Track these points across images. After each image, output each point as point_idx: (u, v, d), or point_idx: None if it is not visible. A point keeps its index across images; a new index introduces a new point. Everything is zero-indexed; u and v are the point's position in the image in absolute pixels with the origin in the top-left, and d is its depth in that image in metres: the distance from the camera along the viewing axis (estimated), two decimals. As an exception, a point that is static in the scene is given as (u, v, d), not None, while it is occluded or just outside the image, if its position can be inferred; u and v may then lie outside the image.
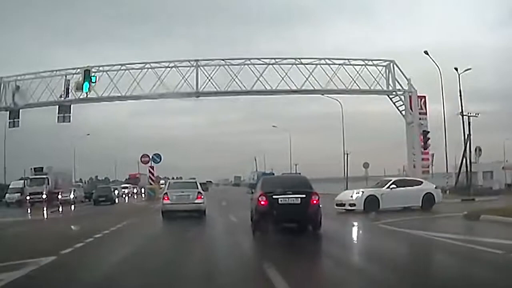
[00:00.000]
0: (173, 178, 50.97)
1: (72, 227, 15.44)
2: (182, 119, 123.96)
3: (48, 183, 39.36)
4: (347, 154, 41.56)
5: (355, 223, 15.01)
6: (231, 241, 11.36)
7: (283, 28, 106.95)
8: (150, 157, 31.28)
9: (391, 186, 18.84)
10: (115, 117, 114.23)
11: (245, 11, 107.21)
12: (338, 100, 37.79)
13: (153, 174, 31.53)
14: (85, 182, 71.04)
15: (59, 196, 37.20)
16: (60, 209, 31.17)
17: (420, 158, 30.57)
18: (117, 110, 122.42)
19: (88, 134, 56.61)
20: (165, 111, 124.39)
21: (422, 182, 20.33)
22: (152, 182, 33.22)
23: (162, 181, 48.74)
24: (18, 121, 31.58)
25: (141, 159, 31.67)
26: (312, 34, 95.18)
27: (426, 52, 31.37)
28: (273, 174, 34.02)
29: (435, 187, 20.28)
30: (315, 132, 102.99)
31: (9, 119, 31.32)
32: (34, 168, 41.42)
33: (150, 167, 31.24)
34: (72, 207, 32.61)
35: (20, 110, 31.52)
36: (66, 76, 29.65)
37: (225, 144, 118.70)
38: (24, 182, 40.51)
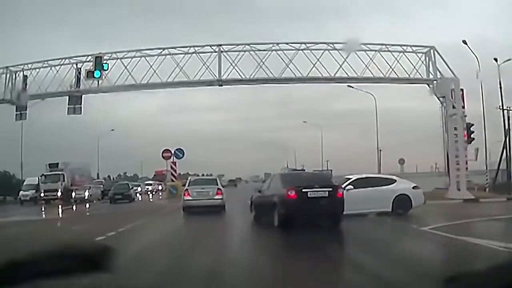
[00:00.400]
0: (202, 175, 49.44)
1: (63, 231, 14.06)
2: (211, 115, 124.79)
3: (64, 180, 37.64)
4: (380, 150, 38.99)
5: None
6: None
7: (314, 14, 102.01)
8: (172, 152, 28.73)
9: (347, 187, 15.10)
10: (143, 112, 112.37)
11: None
12: (371, 94, 36.41)
13: (175, 171, 28.99)
14: (113, 179, 69.49)
15: (73, 194, 35.54)
16: (74, 208, 29.50)
17: (463, 154, 27.76)
18: (145, 106, 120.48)
19: (113, 130, 55.58)
20: (194, 108, 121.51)
21: (395, 181, 16.66)
22: (174, 179, 30.66)
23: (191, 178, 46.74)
24: (26, 113, 29.22)
25: (162, 154, 29.14)
26: (346, 23, 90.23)
27: (464, 42, 28.68)
28: (304, 170, 31.58)
29: (414, 187, 16.46)
30: (347, 128, 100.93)
31: (16, 111, 28.90)
32: (49, 164, 39.76)
33: (172, 162, 28.72)
34: (87, 205, 30.98)
35: (28, 102, 29.38)
36: (77, 65, 27.24)
37: (256, 140, 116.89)
38: (38, 179, 38.73)
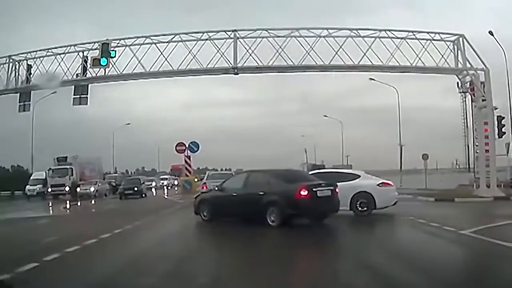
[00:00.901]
0: (221, 170, 48.42)
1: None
2: (231, 110, 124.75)
3: (72, 174, 35.97)
4: (401, 146, 37.38)
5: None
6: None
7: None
8: (187, 145, 27.02)
9: None
10: (163, 107, 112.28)
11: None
12: (394, 87, 34.69)
13: (189, 165, 27.32)
14: (130, 174, 68.51)
15: (78, 189, 34.06)
16: (79, 204, 28.21)
17: (493, 149, 25.92)
18: (165, 100, 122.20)
19: (129, 124, 54.88)
20: (214, 102, 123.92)
21: (358, 177, 14.92)
22: (188, 174, 28.96)
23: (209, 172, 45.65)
24: (29, 104, 28.06)
25: (176, 148, 27.42)
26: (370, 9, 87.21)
27: (490, 33, 26.87)
28: (324, 166, 30.00)
29: (380, 184, 14.56)
30: (368, 124, 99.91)
31: (19, 102, 27.43)
32: (57, 158, 38.26)
33: (187, 156, 27.03)
34: (93, 201, 29.51)
35: (32, 92, 27.84)
36: (83, 53, 25.65)
37: (276, 135, 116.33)
38: (46, 173, 37.27)
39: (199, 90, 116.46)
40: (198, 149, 27.43)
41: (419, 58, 24.43)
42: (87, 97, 26.21)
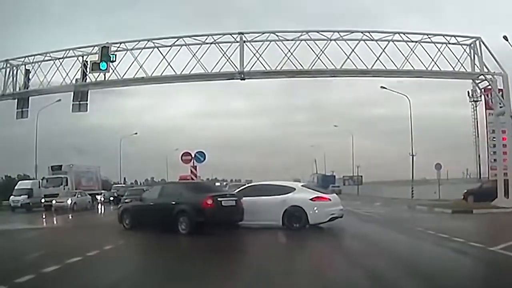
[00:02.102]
0: (231, 181, 47.36)
1: None
2: (241, 120, 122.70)
3: (67, 184, 34.14)
4: (413, 155, 36.28)
5: None
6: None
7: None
8: (193, 155, 25.82)
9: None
10: (174, 116, 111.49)
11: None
12: (406, 95, 33.67)
13: (195, 175, 26.12)
14: (140, 184, 67.10)
15: (53, 202, 30.71)
16: (70, 216, 26.25)
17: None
18: (176, 111, 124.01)
19: (136, 133, 53.90)
20: (223, 113, 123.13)
21: (293, 189, 13.98)
22: None
23: (217, 184, 44.62)
24: (27, 110, 26.90)
25: (181, 157, 26.19)
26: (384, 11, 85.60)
27: (505, 38, 25.80)
28: (334, 176, 28.84)
29: (314, 198, 13.59)
30: (378, 134, 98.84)
31: (17, 108, 26.41)
32: (51, 167, 36.42)
33: (193, 166, 25.83)
34: (70, 216, 26.49)
35: (30, 98, 26.79)
36: (83, 57, 24.59)
37: (286, 146, 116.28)
38: (39, 182, 35.75)
39: (209, 99, 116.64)
40: (204, 159, 26.21)
41: (435, 63, 23.27)
42: (87, 104, 25.18)
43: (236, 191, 15.26)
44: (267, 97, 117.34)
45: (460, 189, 30.51)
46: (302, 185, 15.32)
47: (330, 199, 14.07)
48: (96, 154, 59.53)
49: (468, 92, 46.88)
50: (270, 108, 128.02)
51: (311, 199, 13.56)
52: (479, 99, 46.42)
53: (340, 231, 13.73)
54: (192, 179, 25.44)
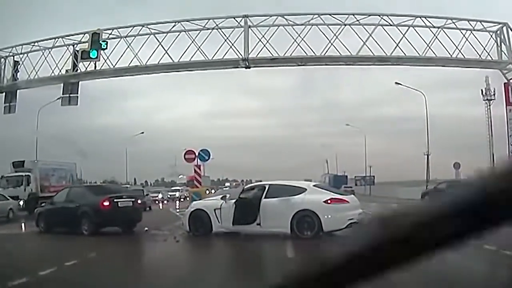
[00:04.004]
0: (242, 181, 45.87)
1: None
2: (252, 120, 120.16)
3: (29, 184, 27.34)
4: (428, 155, 34.19)
5: None
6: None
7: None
8: (196, 153, 23.57)
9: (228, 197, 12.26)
10: (185, 117, 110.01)
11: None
12: (421, 92, 34.06)
13: (199, 175, 23.79)
14: (150, 185, 65.06)
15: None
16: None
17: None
18: (187, 110, 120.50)
19: (142, 133, 51.77)
20: (234, 112, 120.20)
21: (304, 190, 11.56)
22: (198, 184, 25.22)
23: (227, 184, 42.57)
24: (15, 105, 24.82)
25: (184, 156, 23.88)
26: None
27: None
28: (346, 177, 26.74)
29: (328, 200, 11.17)
30: (391, 134, 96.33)
31: (5, 102, 24.53)
32: (13, 163, 29.01)
33: (196, 165, 23.64)
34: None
35: (18, 92, 24.76)
36: (73, 46, 22.51)
37: (297, 145, 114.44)
38: None
39: (219, 99, 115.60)
40: (209, 158, 23.97)
41: (459, 50, 21.09)
42: (77, 96, 23.25)
43: (239, 192, 12.94)
44: (278, 97, 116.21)
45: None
46: (314, 185, 12.98)
47: (348, 201, 11.62)
48: (104, 155, 57.41)
49: (482, 91, 44.85)
50: (281, 107, 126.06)
51: (325, 202, 11.13)
52: (493, 98, 44.31)
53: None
54: (196, 179, 23.35)
